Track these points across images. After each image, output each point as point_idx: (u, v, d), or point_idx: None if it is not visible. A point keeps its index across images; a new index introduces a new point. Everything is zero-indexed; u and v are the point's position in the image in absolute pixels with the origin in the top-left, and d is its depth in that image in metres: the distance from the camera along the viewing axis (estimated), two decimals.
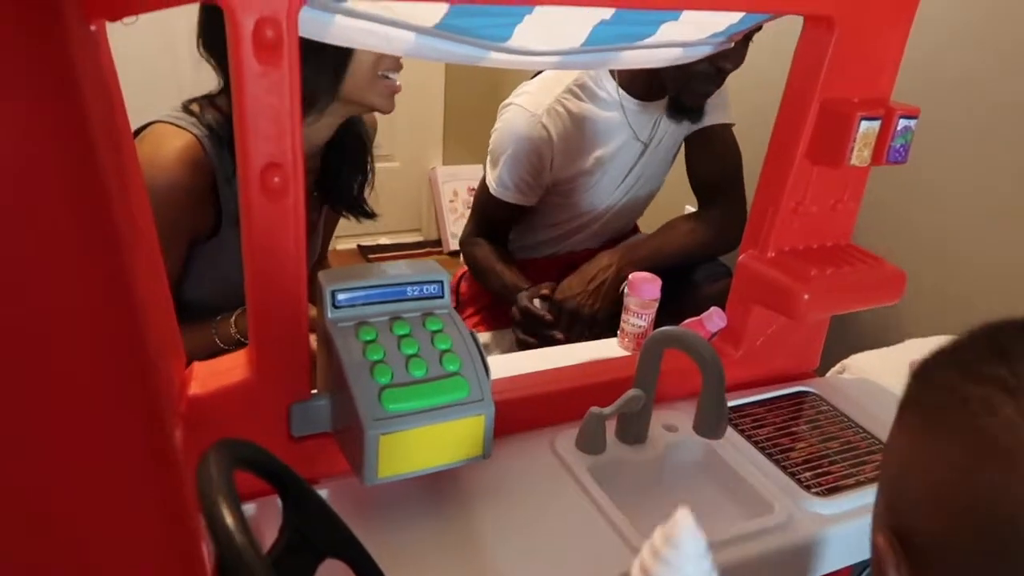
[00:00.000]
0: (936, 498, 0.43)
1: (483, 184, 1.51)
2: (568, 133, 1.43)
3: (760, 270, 0.90)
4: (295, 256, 0.68)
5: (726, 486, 0.85)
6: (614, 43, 0.85)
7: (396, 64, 1.05)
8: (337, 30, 0.71)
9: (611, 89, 1.43)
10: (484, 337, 1.51)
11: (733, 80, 1.40)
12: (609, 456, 0.84)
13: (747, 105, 1.51)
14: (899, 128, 0.82)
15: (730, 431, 0.89)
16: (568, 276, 1.41)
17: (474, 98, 2.88)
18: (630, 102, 1.44)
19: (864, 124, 0.80)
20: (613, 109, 1.44)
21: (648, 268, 1.17)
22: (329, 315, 0.73)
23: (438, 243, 2.95)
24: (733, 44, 0.99)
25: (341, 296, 0.74)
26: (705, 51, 0.94)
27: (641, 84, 1.43)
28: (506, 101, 1.48)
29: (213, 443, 0.46)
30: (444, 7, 0.69)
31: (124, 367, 0.33)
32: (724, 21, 0.85)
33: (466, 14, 0.72)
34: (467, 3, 0.68)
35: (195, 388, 0.70)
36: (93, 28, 0.54)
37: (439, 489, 0.79)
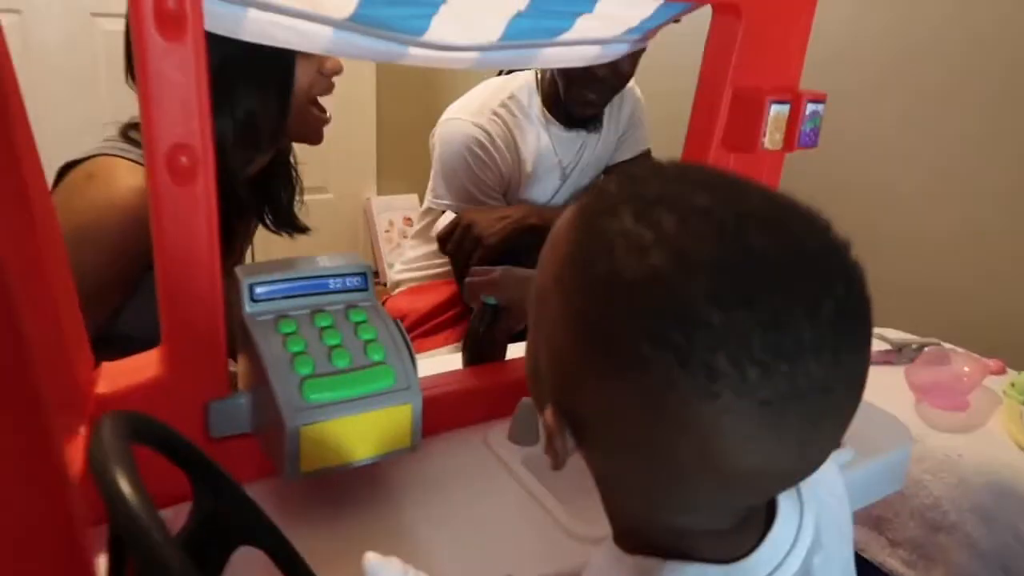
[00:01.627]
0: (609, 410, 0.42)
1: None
2: (505, 137, 1.46)
3: None
4: (208, 244, 0.65)
5: None
6: (532, 38, 0.86)
7: (328, 86, 1.05)
8: (251, 24, 0.70)
9: (537, 110, 1.47)
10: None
11: (650, 75, 1.44)
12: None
13: (666, 96, 1.57)
14: (808, 112, 0.84)
15: None
16: None
17: (406, 127, 2.89)
18: (556, 126, 1.47)
19: (774, 108, 0.83)
20: (538, 127, 1.48)
21: None
22: (247, 309, 0.71)
23: (375, 274, 2.92)
24: (646, 45, 1.01)
25: (259, 289, 0.72)
26: (622, 49, 0.96)
27: (563, 110, 1.46)
28: (443, 118, 1.49)
29: (105, 413, 0.43)
30: None
31: None
32: (636, 15, 0.87)
33: (379, 4, 0.72)
34: None
35: (102, 387, 0.67)
36: None
37: (368, 486, 0.76)
